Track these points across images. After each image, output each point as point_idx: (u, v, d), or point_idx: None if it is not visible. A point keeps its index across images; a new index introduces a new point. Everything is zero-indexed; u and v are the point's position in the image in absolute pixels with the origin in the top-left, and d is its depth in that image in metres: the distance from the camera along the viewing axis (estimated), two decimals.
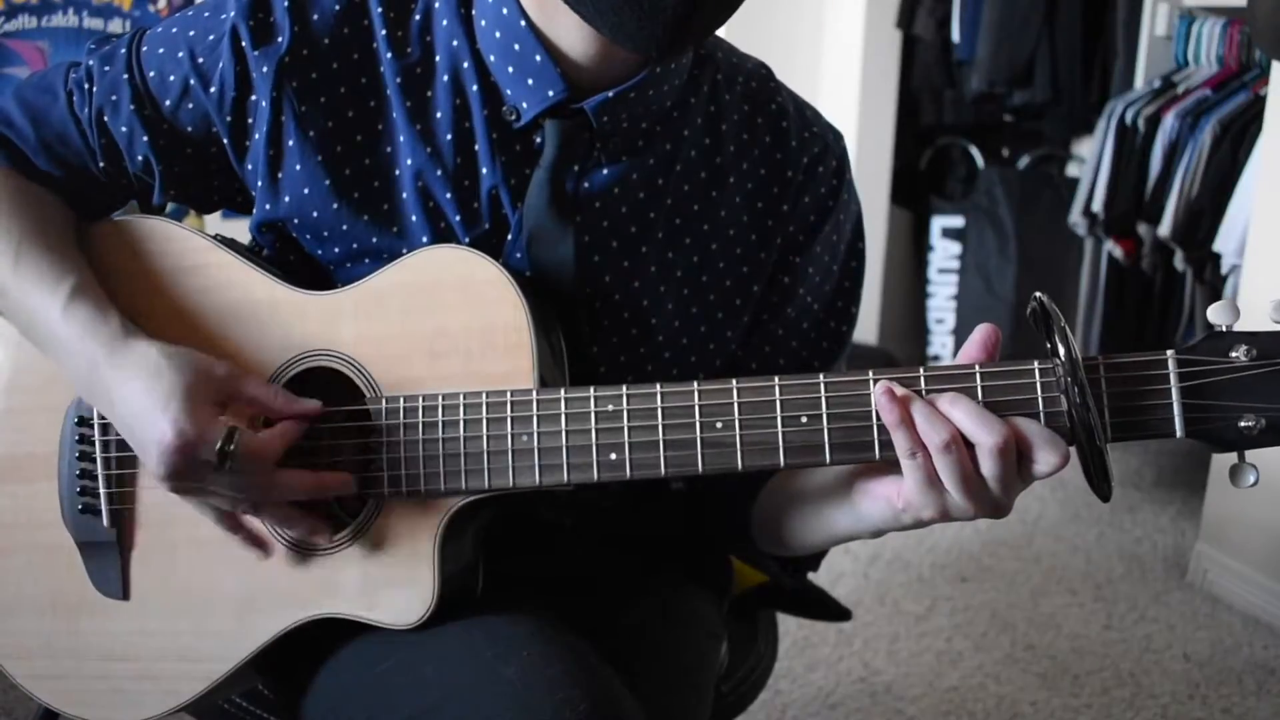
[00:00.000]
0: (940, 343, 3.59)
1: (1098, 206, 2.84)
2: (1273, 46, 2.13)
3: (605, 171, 0.89)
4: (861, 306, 1.02)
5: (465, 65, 0.88)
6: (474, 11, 0.88)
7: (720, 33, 0.97)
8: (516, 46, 0.85)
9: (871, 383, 0.77)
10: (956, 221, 3.51)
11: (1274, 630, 2.23)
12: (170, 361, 0.82)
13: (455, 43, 0.88)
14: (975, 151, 3.62)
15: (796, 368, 0.98)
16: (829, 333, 0.99)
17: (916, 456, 0.74)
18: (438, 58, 0.89)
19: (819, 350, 0.99)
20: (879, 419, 0.76)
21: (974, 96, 3.35)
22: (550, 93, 0.85)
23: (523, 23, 0.85)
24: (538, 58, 0.85)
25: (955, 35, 3.30)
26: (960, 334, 3.53)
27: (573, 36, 0.83)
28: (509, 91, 0.87)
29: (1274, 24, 2.08)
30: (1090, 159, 2.91)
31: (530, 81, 0.85)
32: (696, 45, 0.85)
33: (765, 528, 0.96)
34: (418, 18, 0.89)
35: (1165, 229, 2.65)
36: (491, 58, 0.87)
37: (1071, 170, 3.43)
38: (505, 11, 0.86)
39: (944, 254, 3.55)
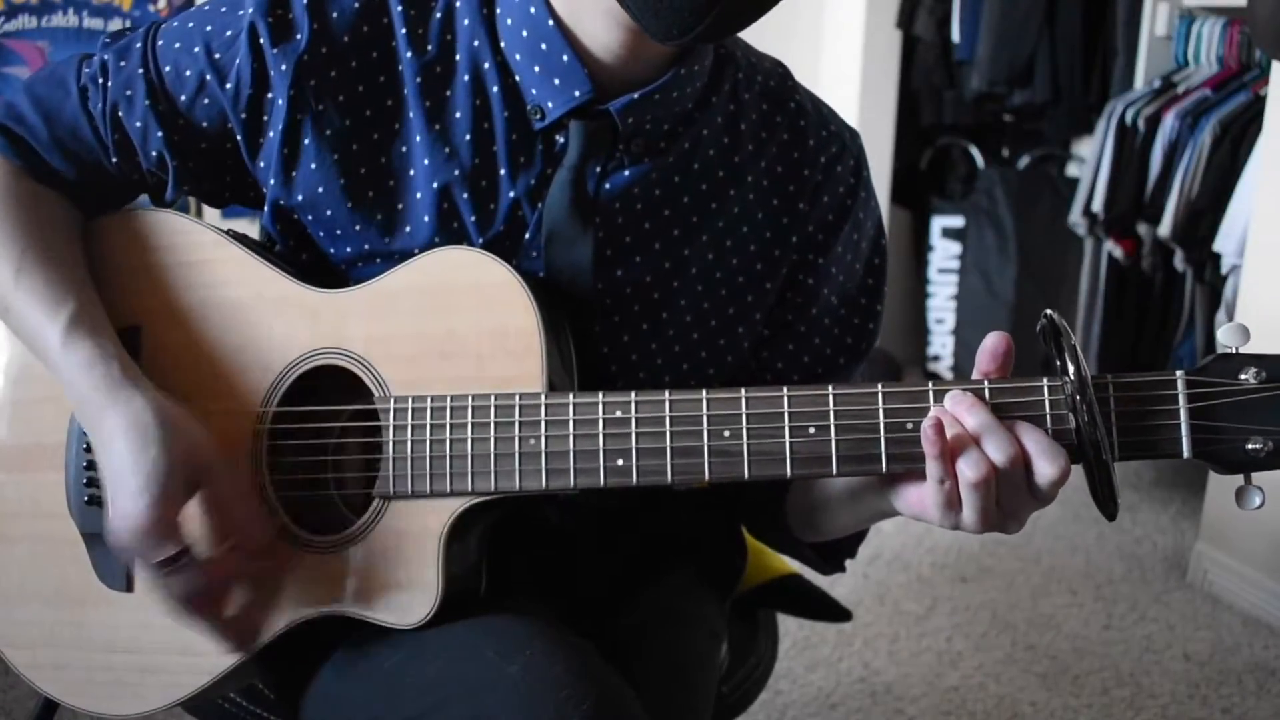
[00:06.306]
0: (940, 343, 3.59)
1: (1098, 206, 2.84)
2: (1273, 46, 2.13)
3: (627, 173, 0.89)
4: None
5: (486, 65, 0.88)
6: (498, 11, 0.88)
7: None
8: (544, 46, 0.85)
9: (880, 395, 0.77)
10: (956, 221, 3.51)
11: (1274, 630, 2.23)
12: (161, 431, 0.81)
13: (476, 43, 0.88)
14: (975, 151, 3.62)
15: (824, 365, 0.98)
16: (854, 329, 0.99)
17: (945, 483, 0.75)
18: (458, 57, 0.89)
19: (844, 346, 0.99)
20: (887, 432, 0.77)
21: (974, 96, 3.34)
22: (577, 93, 0.85)
23: (550, 22, 0.85)
24: (565, 57, 0.85)
25: (955, 35, 3.30)
26: (960, 334, 3.53)
27: (600, 32, 0.84)
28: (534, 91, 0.87)
29: (1274, 24, 2.08)
30: (1090, 159, 2.91)
31: (557, 81, 0.86)
32: (719, 39, 0.84)
33: (797, 512, 0.97)
34: (438, 16, 0.89)
35: (1165, 229, 2.65)
36: (517, 56, 0.87)
37: (1071, 170, 3.43)
38: (533, 10, 0.86)
39: (944, 254, 3.55)
